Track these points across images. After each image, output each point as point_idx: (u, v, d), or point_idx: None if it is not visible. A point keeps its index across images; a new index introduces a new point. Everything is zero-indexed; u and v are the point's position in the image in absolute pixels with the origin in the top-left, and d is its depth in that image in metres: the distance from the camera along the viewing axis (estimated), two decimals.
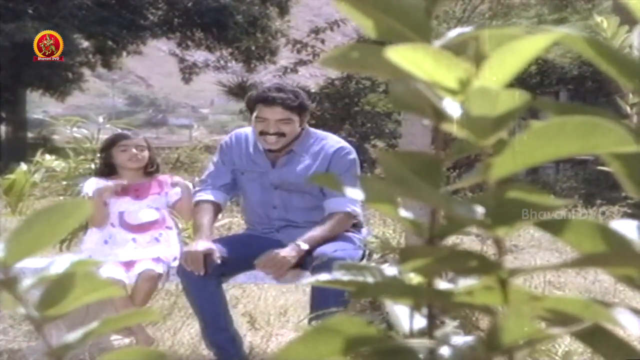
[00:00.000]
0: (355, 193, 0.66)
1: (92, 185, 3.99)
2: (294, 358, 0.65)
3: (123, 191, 3.98)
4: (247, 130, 3.90)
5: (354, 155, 3.75)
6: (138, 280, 3.74)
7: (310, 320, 3.44)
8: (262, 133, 3.68)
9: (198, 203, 3.83)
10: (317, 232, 3.58)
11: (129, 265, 3.79)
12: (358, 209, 3.70)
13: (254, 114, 3.70)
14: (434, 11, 0.68)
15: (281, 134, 3.66)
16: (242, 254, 3.64)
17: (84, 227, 4.32)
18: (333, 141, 3.78)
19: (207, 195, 3.82)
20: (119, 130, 4.52)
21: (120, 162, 4.01)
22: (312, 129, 3.83)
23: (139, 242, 3.91)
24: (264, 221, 3.83)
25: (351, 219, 3.66)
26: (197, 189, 3.92)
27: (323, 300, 3.27)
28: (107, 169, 4.03)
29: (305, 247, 3.52)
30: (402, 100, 0.69)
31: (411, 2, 0.67)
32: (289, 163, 3.75)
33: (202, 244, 3.58)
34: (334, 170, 3.67)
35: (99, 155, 4.21)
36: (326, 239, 3.57)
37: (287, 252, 3.52)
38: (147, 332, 3.94)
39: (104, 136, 5.16)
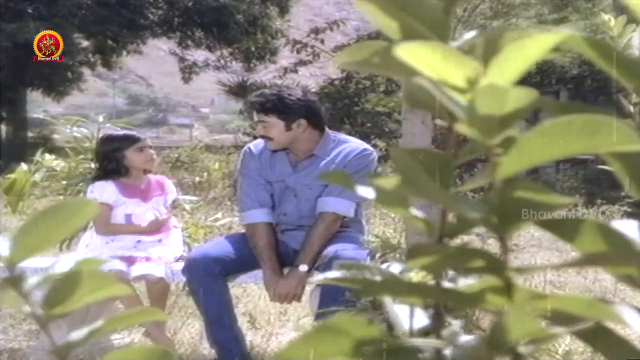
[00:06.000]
0: (366, 192, 0.66)
1: (105, 190, 3.90)
2: (295, 357, 0.65)
3: (131, 193, 3.95)
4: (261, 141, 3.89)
5: (372, 157, 3.72)
6: (148, 285, 3.74)
7: (316, 317, 3.45)
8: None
9: (250, 225, 3.74)
10: (311, 246, 3.59)
11: (129, 260, 3.77)
12: (347, 211, 3.65)
13: None
14: (452, 10, 0.68)
15: (268, 138, 3.71)
16: (247, 254, 3.66)
17: (84, 227, 4.30)
18: (355, 144, 3.77)
19: (256, 217, 3.74)
20: (120, 130, 4.45)
21: (136, 163, 3.94)
22: (335, 133, 3.83)
23: (144, 243, 3.90)
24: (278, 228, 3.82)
25: (337, 221, 3.64)
26: (241, 212, 3.83)
27: (331, 299, 3.27)
28: (123, 170, 3.94)
29: (305, 268, 3.56)
30: (415, 98, 0.69)
31: (429, 2, 0.67)
32: (309, 166, 3.73)
33: (281, 284, 3.58)
34: (347, 170, 3.63)
35: (107, 155, 3.97)
36: (322, 246, 3.58)
37: (293, 285, 3.55)
38: (166, 335, 3.90)
39: None
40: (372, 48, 0.68)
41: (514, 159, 0.63)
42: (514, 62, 0.63)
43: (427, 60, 0.62)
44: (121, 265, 3.68)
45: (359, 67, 0.69)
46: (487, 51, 0.65)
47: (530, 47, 0.63)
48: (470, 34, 0.67)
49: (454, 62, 0.62)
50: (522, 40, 0.62)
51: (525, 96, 0.62)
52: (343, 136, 3.86)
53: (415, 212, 0.68)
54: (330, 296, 3.27)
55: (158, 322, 3.74)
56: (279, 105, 3.68)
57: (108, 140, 4.06)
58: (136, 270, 3.72)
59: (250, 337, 4.15)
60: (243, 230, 3.94)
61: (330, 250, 3.53)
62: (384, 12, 0.67)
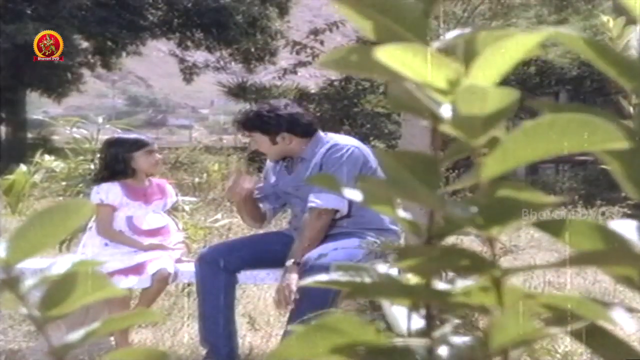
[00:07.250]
0: (351, 193, 0.66)
1: (111, 191, 3.94)
2: (290, 356, 0.65)
3: (135, 195, 3.99)
4: None
5: (344, 152, 3.71)
6: (153, 282, 3.75)
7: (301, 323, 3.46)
8: None
9: None
10: (298, 241, 3.64)
11: (139, 268, 3.77)
12: (332, 204, 3.66)
13: None
14: (431, 12, 0.68)
15: (259, 152, 4.03)
16: (259, 253, 3.74)
17: (84, 228, 4.31)
18: (332, 142, 3.80)
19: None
20: (120, 132, 4.50)
21: (144, 166, 4.00)
22: (326, 134, 3.88)
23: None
24: (291, 227, 3.94)
25: (321, 214, 3.66)
26: None
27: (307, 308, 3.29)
28: (130, 172, 4.00)
29: (289, 263, 3.58)
30: (400, 101, 0.69)
31: (408, 3, 0.67)
32: (301, 169, 3.81)
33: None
34: (325, 166, 3.72)
35: (115, 157, 4.02)
36: (310, 239, 3.61)
37: (286, 282, 3.56)
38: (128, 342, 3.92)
39: (103, 137, 5.12)
40: (353, 50, 0.68)
41: (498, 159, 0.63)
42: (494, 63, 0.63)
43: (408, 63, 0.62)
44: (131, 282, 3.71)
45: (339, 68, 0.70)
46: (468, 52, 0.65)
47: (511, 48, 0.63)
48: (450, 34, 0.67)
49: (435, 64, 0.62)
50: (502, 41, 0.62)
51: (506, 96, 0.62)
52: (331, 136, 3.90)
53: (402, 213, 0.68)
54: (306, 306, 3.31)
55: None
56: (257, 123, 3.81)
57: (118, 142, 4.12)
58: (152, 268, 3.74)
59: (250, 338, 4.15)
60: (262, 231, 4.14)
61: (314, 252, 3.54)
62: (361, 14, 0.67)
